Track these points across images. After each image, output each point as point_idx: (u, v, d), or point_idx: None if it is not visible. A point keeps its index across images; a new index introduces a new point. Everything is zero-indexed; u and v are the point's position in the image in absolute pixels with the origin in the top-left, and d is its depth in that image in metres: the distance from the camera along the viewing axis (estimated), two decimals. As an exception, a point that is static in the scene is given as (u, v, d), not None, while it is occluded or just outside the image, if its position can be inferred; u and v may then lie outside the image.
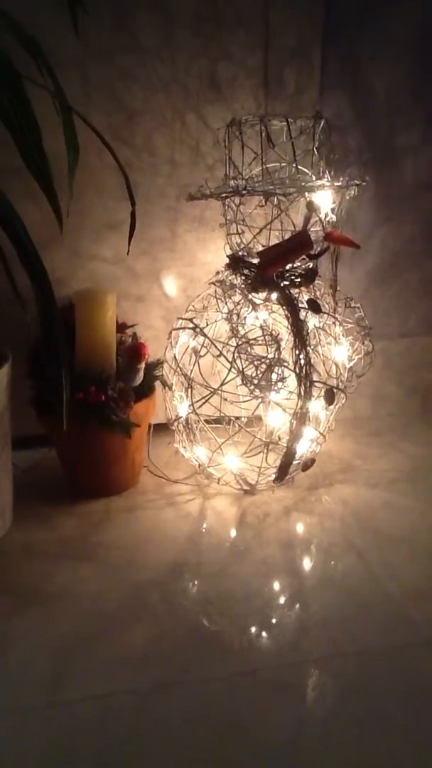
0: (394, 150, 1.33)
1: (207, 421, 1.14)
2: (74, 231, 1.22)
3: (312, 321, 1.08)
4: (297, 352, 1.03)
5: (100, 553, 1.04)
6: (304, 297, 1.08)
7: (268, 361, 1.00)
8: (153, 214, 1.26)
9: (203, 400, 1.07)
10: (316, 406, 1.10)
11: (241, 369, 1.00)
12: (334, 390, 1.09)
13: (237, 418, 1.14)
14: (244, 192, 0.99)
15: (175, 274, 1.30)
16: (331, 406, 1.11)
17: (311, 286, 1.10)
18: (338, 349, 1.13)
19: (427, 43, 1.28)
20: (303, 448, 1.13)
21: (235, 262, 1.10)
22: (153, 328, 1.31)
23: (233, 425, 1.12)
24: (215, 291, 1.11)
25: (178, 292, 1.31)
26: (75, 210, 1.15)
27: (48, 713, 0.76)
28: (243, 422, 1.13)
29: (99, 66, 1.16)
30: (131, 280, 1.29)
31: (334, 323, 1.12)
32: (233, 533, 1.08)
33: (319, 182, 1.02)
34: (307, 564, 1.02)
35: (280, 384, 1.01)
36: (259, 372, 1.00)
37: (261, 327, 1.02)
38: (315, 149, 1.04)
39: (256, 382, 1.00)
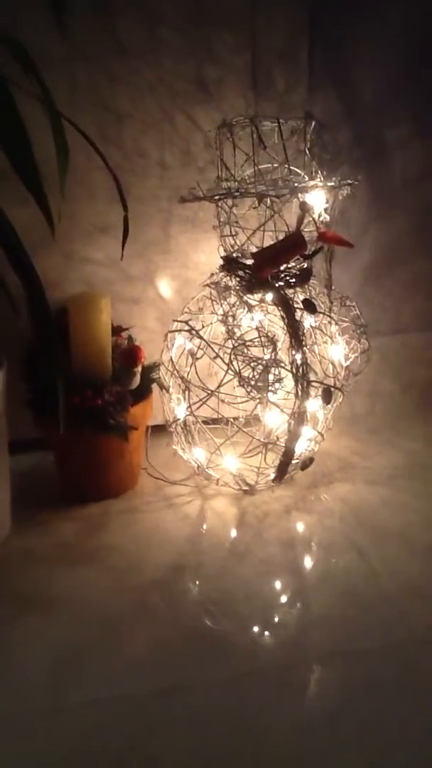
0: (383, 146, 1.34)
1: (205, 422, 1.14)
2: (66, 234, 1.22)
3: (308, 320, 1.09)
4: (293, 352, 1.04)
5: (100, 556, 1.04)
6: (299, 297, 1.08)
7: (264, 362, 1.00)
8: (145, 216, 1.25)
9: (201, 402, 1.07)
10: (314, 405, 1.10)
11: (237, 370, 1.00)
12: (332, 389, 1.10)
13: (235, 418, 1.14)
14: (236, 194, 0.99)
15: (170, 276, 1.30)
16: (329, 405, 1.11)
17: (306, 286, 1.11)
18: (334, 348, 1.13)
19: (410, 41, 1.29)
20: (301, 448, 1.13)
21: (230, 264, 1.10)
22: (148, 330, 1.31)
23: (231, 426, 1.12)
24: (210, 293, 1.11)
25: (172, 293, 1.31)
26: (66, 213, 1.15)
27: (50, 719, 0.76)
28: (241, 423, 1.13)
29: (86, 69, 1.16)
30: (125, 282, 1.29)
31: (329, 322, 1.12)
32: (233, 533, 1.08)
33: (312, 183, 1.02)
34: (307, 563, 1.02)
35: (277, 384, 1.01)
36: (256, 373, 1.00)
37: (257, 328, 1.02)
38: (306, 150, 1.04)
39: (253, 383, 1.00)
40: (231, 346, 1.01)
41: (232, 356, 1.01)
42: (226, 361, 1.02)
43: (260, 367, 1.00)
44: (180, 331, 1.11)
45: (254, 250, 1.07)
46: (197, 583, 0.98)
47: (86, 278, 1.27)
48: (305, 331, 1.06)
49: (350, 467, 1.26)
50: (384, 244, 1.39)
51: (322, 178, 1.05)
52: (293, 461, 1.13)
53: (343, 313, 1.17)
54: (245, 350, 1.01)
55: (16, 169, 0.81)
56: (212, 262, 1.21)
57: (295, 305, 1.06)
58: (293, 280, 1.08)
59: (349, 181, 1.04)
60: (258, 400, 1.05)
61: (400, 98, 1.32)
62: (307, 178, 1.06)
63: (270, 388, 1.01)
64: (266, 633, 0.88)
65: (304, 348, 1.04)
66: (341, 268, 1.34)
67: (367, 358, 1.18)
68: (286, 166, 1.04)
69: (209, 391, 1.06)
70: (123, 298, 1.29)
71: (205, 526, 1.10)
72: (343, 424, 1.40)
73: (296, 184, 1.02)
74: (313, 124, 1.05)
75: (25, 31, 0.95)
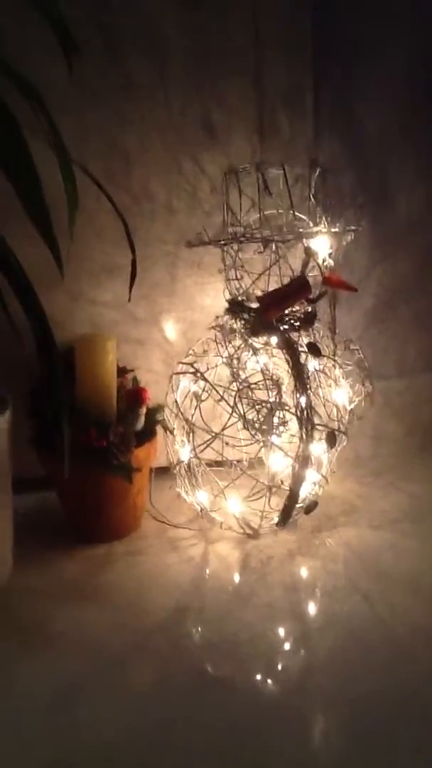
0: (387, 190, 1.35)
1: (209, 464, 1.13)
2: (74, 275, 1.23)
3: (312, 364, 1.09)
4: (298, 395, 1.04)
5: (103, 596, 1.03)
6: (303, 340, 1.09)
7: (269, 405, 1.00)
8: (152, 259, 1.27)
9: (205, 445, 1.07)
10: (318, 448, 1.10)
11: (242, 413, 1.01)
12: (336, 432, 1.10)
13: (239, 461, 1.14)
14: (242, 239, 1.01)
15: (175, 318, 1.31)
16: (333, 449, 1.11)
17: (311, 330, 1.11)
18: (339, 392, 1.13)
19: (413, 84, 1.31)
20: (306, 491, 1.13)
21: (235, 307, 1.11)
22: (153, 371, 1.32)
23: (235, 468, 1.12)
24: (215, 335, 1.12)
25: (178, 335, 1.32)
26: (74, 254, 1.16)
27: (53, 757, 0.75)
28: (245, 465, 1.13)
29: (96, 111, 1.19)
30: (131, 324, 1.30)
31: (333, 366, 1.13)
32: (237, 577, 1.07)
33: (316, 228, 1.04)
34: (311, 608, 1.01)
35: (281, 427, 1.01)
36: (260, 416, 1.00)
37: (261, 371, 1.02)
38: (311, 196, 1.06)
39: (257, 426, 1.00)
40: (236, 389, 1.02)
41: (237, 399, 1.01)
42: (231, 403, 1.02)
43: (265, 409, 1.00)
44: (185, 373, 1.11)
45: (259, 293, 1.08)
46: (200, 626, 0.97)
47: (93, 319, 1.28)
48: (310, 374, 1.07)
49: (354, 511, 1.25)
50: (387, 286, 1.40)
51: (326, 224, 1.06)
52: (297, 505, 1.12)
53: (347, 357, 1.17)
54: (250, 393, 1.01)
55: (27, 211, 0.82)
56: (217, 305, 1.22)
57: (300, 348, 1.07)
58: (298, 323, 1.09)
59: (353, 227, 1.05)
60: (262, 443, 1.05)
61: (403, 140, 1.34)
62: (311, 224, 1.07)
63: (274, 431, 1.01)
64: (269, 678, 0.86)
65: (309, 391, 1.04)
66: (345, 311, 1.35)
67: (371, 402, 1.18)
68: (291, 211, 1.05)
69: (213, 434, 1.06)
70: (128, 339, 1.30)
71: (208, 570, 1.09)
72: (347, 467, 1.39)
73: (301, 230, 1.03)
74: (318, 170, 1.06)
75: (35, 71, 0.97)
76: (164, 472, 1.24)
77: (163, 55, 1.19)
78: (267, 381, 1.00)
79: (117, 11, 1.16)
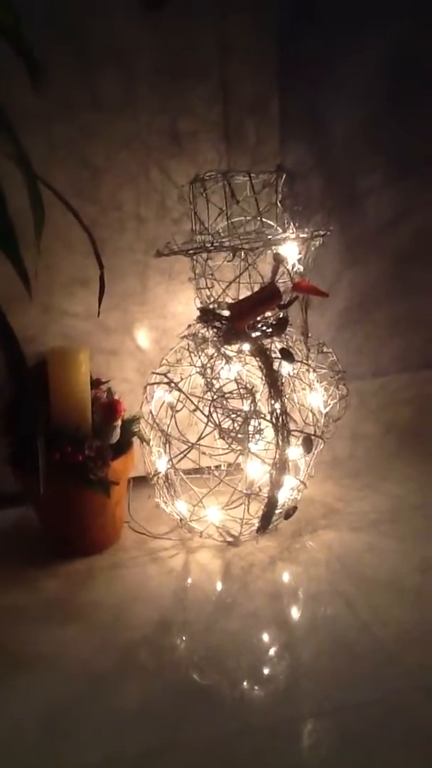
0: (356, 193, 1.36)
1: (186, 472, 1.13)
2: (45, 287, 1.23)
3: (286, 369, 1.09)
4: (272, 402, 1.04)
5: (86, 613, 1.02)
6: (276, 346, 1.08)
7: (244, 413, 1.00)
8: (122, 269, 1.26)
9: (181, 455, 1.06)
10: (295, 453, 1.10)
11: (217, 423, 1.00)
12: (312, 437, 1.10)
13: (216, 467, 1.14)
14: (211, 248, 1.00)
15: (147, 327, 1.31)
16: (310, 454, 1.11)
17: (283, 335, 1.11)
18: (313, 396, 1.13)
19: (382, 88, 1.32)
20: (284, 497, 1.13)
21: (206, 315, 1.11)
22: (128, 381, 1.31)
23: (213, 476, 1.12)
24: (188, 344, 1.11)
25: (151, 344, 1.32)
26: (44, 266, 1.16)
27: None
28: (222, 472, 1.13)
29: (62, 123, 1.18)
30: (103, 334, 1.29)
31: (307, 370, 1.12)
32: (219, 586, 1.07)
33: (284, 235, 1.04)
34: (295, 614, 1.01)
35: (257, 436, 1.01)
36: (236, 425, 1.00)
37: (235, 380, 1.02)
38: (278, 202, 1.06)
39: (233, 435, 1.00)
40: (210, 398, 1.01)
41: (212, 408, 1.01)
42: (206, 413, 1.01)
43: (240, 418, 1.00)
44: (159, 383, 1.11)
45: (230, 301, 1.07)
46: (184, 638, 0.96)
47: (65, 331, 1.27)
48: (284, 380, 1.07)
49: (334, 513, 1.26)
50: (359, 289, 1.41)
51: (294, 230, 1.06)
52: (276, 511, 1.12)
53: (320, 360, 1.17)
54: (224, 402, 1.01)
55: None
56: (189, 312, 1.22)
57: (273, 355, 1.07)
58: (270, 330, 1.08)
59: (321, 232, 1.05)
60: (239, 452, 1.05)
61: (371, 144, 1.34)
62: (280, 230, 1.07)
63: (250, 439, 1.01)
64: (256, 687, 0.86)
65: (283, 397, 1.04)
66: (317, 314, 1.35)
67: (346, 404, 1.18)
68: (259, 218, 1.05)
69: (190, 444, 1.05)
70: (101, 349, 1.29)
71: (190, 580, 1.09)
72: (324, 469, 1.40)
73: (269, 237, 1.03)
74: (284, 176, 1.06)
75: None
76: (142, 481, 1.24)
77: (127, 67, 1.18)
78: (241, 390, 1.00)
79: (80, 25, 1.15)
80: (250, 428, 1.00)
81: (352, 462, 1.46)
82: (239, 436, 1.00)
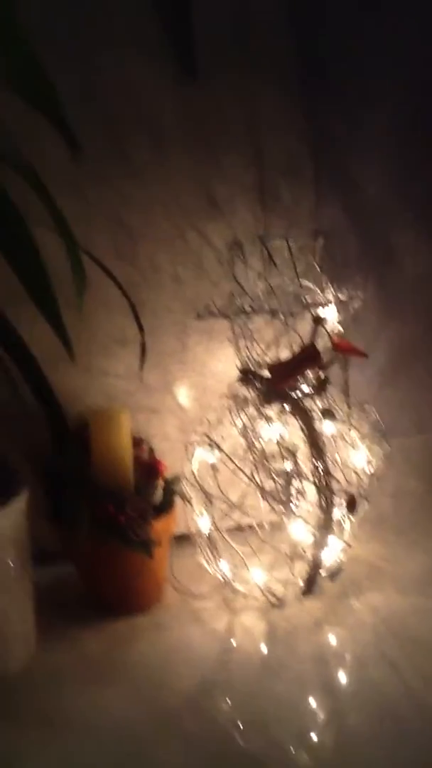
0: (391, 250, 1.37)
1: (229, 529, 1.12)
2: (85, 347, 1.25)
3: (327, 429, 1.09)
4: (314, 462, 1.03)
5: (127, 675, 1.01)
6: (317, 406, 1.08)
7: (286, 475, 1.00)
8: (161, 328, 1.28)
9: (224, 516, 1.06)
10: (339, 514, 1.09)
11: (260, 484, 1.00)
12: (356, 497, 1.08)
13: (259, 525, 1.13)
14: (249, 311, 1.02)
15: (188, 385, 1.32)
16: (354, 514, 1.10)
17: (324, 394, 1.11)
18: (356, 455, 1.12)
19: (411, 145, 1.33)
20: (329, 558, 1.11)
21: (246, 376, 1.12)
22: (169, 439, 1.32)
23: (256, 535, 1.11)
24: (229, 404, 1.12)
25: (191, 402, 1.33)
26: (85, 326, 1.19)
27: None
28: (266, 530, 1.12)
29: (98, 187, 1.21)
30: (144, 393, 1.31)
31: (349, 429, 1.12)
32: (263, 649, 1.05)
33: (323, 298, 1.05)
34: (341, 679, 0.98)
35: (300, 497, 1.00)
36: (278, 486, 1.00)
37: (277, 441, 1.02)
38: (316, 265, 1.07)
39: (275, 496, 1.00)
40: (252, 460, 1.02)
41: (254, 469, 1.01)
42: (248, 473, 1.02)
43: (282, 479, 0.99)
44: (200, 443, 1.11)
45: (270, 361, 1.08)
46: (228, 702, 0.94)
47: (106, 390, 1.29)
48: (326, 439, 1.06)
49: (379, 574, 1.23)
50: (399, 344, 1.40)
51: (333, 291, 1.07)
52: (321, 572, 1.11)
53: (362, 419, 1.17)
54: (266, 463, 1.01)
55: (34, 301, 0.84)
56: (230, 370, 1.23)
57: (314, 414, 1.07)
58: (311, 389, 1.09)
59: (360, 294, 1.06)
60: (282, 513, 1.04)
61: (403, 200, 1.35)
62: (318, 290, 1.08)
63: (293, 500, 1.00)
64: (303, 755, 0.84)
65: (325, 457, 1.04)
66: (358, 371, 1.34)
67: (389, 462, 1.17)
68: (297, 280, 1.06)
69: (232, 504, 1.05)
70: (142, 408, 1.31)
71: (234, 642, 1.07)
72: (369, 528, 1.37)
73: (307, 300, 1.04)
74: (320, 239, 1.08)
75: (37, 153, 0.99)
76: (184, 538, 1.23)
77: (162, 136, 1.22)
78: (282, 450, 1.00)
79: (114, 93, 1.19)
80: (293, 490, 0.99)
81: (397, 519, 1.43)
82: (282, 497, 1.00)
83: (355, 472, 1.11)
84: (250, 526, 1.18)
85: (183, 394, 1.32)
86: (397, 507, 1.45)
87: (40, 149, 1.00)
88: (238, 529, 1.14)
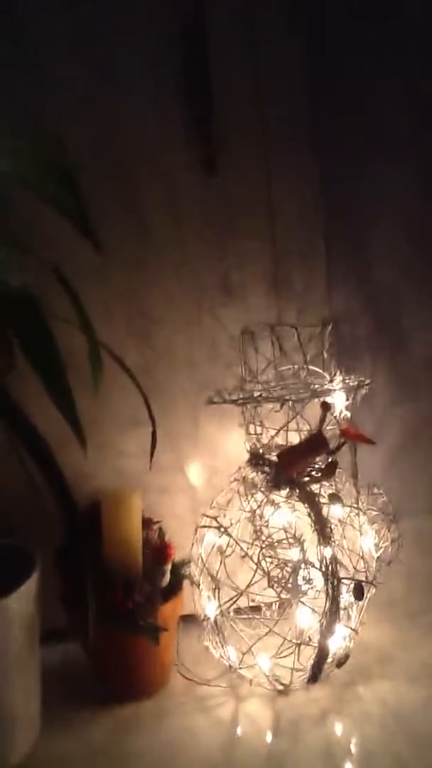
0: (401, 333, 1.39)
1: (236, 611, 1.12)
2: (99, 426, 1.27)
3: (335, 514, 1.09)
4: (321, 549, 1.03)
5: (131, 764, 0.99)
6: (326, 491, 1.09)
7: (293, 563, 1.00)
8: (175, 409, 1.31)
9: (231, 602, 1.06)
10: (346, 600, 1.08)
11: (267, 571, 1.00)
12: (363, 584, 1.08)
13: (267, 607, 1.12)
14: (259, 398, 1.04)
15: (199, 466, 1.33)
16: (361, 601, 1.09)
17: (332, 478, 1.12)
18: (364, 540, 1.12)
19: (419, 245, 1.37)
20: (336, 645, 1.10)
21: (255, 460, 1.13)
22: (179, 518, 1.32)
23: (262, 621, 1.10)
24: (238, 488, 1.13)
25: (202, 482, 1.34)
26: (99, 406, 1.21)
27: None
28: (273, 615, 1.11)
29: (119, 275, 1.26)
30: (156, 472, 1.31)
31: (357, 513, 1.12)
32: (269, 740, 1.03)
33: (331, 385, 1.06)
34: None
35: (307, 585, 1.00)
36: (285, 573, 1.00)
37: (284, 528, 1.03)
38: (324, 352, 1.10)
39: (282, 584, 1.00)
40: (259, 546, 1.02)
41: (261, 557, 1.01)
42: (255, 560, 1.02)
43: (289, 568, 0.99)
44: (209, 527, 1.12)
45: (279, 444, 1.10)
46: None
47: (119, 469, 1.31)
48: (333, 525, 1.07)
49: (389, 661, 1.21)
50: (409, 424, 1.41)
51: (341, 378, 1.09)
52: (328, 659, 1.09)
53: (371, 502, 1.17)
54: (273, 551, 1.01)
55: (50, 395, 0.86)
56: (240, 451, 1.24)
57: (322, 500, 1.07)
58: (319, 474, 1.10)
59: (367, 382, 1.08)
60: (289, 600, 1.04)
61: (415, 282, 1.39)
62: (327, 377, 1.10)
63: (300, 588, 1.00)
64: None
65: (333, 543, 1.04)
66: (367, 452, 1.35)
67: (399, 547, 1.16)
68: (306, 367, 1.09)
69: (239, 591, 1.05)
70: (154, 487, 1.32)
71: (239, 732, 1.06)
72: (379, 610, 1.35)
73: (316, 387, 1.06)
74: (329, 327, 1.10)
75: (60, 246, 1.04)
76: (191, 618, 1.22)
77: (181, 225, 1.28)
78: (290, 538, 1.00)
79: (135, 180, 1.25)
80: (299, 578, 0.99)
81: (409, 601, 1.41)
82: (288, 585, 1.00)
83: (363, 558, 1.10)
84: (258, 608, 1.17)
85: (194, 474, 1.34)
86: (409, 588, 1.43)
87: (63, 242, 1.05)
88: (245, 611, 1.13)
